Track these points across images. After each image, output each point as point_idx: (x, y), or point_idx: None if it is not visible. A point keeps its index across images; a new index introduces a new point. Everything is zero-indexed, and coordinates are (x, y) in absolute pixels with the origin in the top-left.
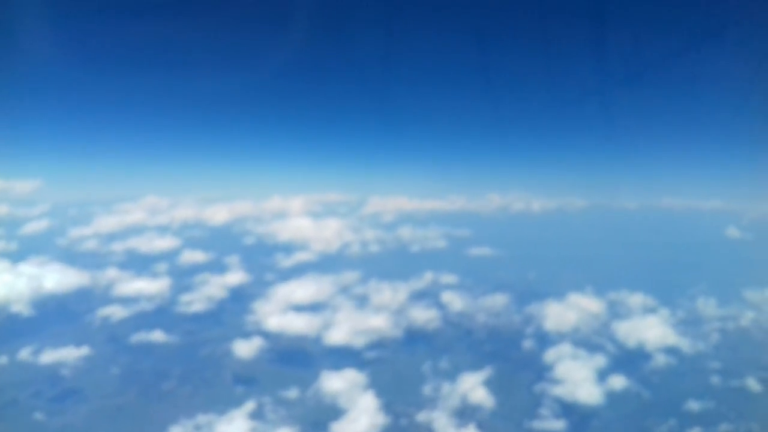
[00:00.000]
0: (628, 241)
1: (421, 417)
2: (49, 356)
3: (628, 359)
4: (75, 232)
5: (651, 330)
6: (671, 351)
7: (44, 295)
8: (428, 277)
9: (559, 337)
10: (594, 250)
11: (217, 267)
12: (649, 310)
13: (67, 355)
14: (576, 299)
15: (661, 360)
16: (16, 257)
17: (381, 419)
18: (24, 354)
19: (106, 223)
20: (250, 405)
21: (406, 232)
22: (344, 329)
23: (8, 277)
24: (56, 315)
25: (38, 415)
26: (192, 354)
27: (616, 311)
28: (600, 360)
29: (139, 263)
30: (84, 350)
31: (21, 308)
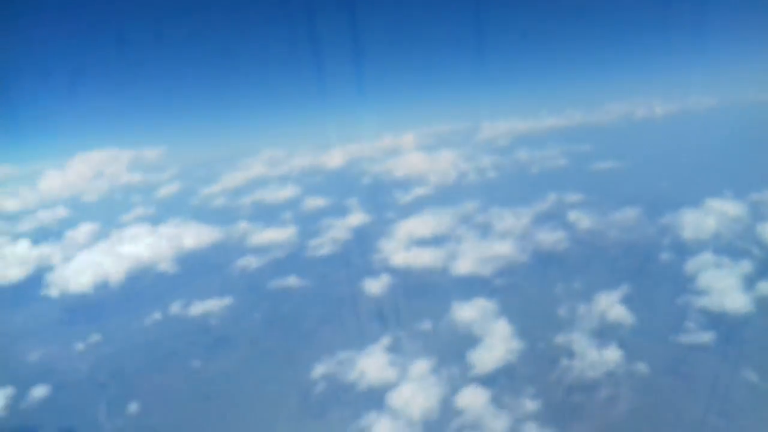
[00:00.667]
0: (764, 136)
1: (559, 339)
2: (197, 308)
3: None
4: (205, 191)
5: None
6: None
7: (185, 253)
8: (551, 197)
9: (699, 246)
10: (728, 151)
11: (339, 210)
12: None
13: (213, 305)
14: (714, 204)
15: None
16: (155, 220)
17: (517, 344)
18: (175, 308)
19: (232, 179)
20: (386, 339)
21: (523, 155)
22: (470, 259)
23: (152, 239)
24: (198, 269)
25: (196, 363)
26: (326, 295)
27: (761, 212)
28: (746, 266)
29: (267, 214)
30: (227, 300)
31: (166, 267)
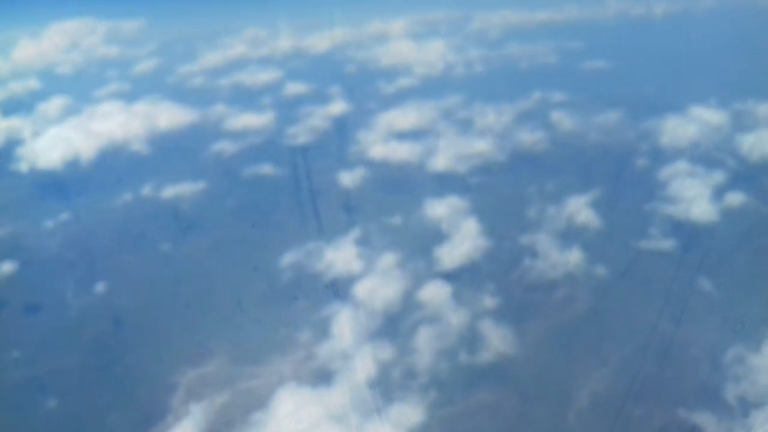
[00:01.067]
0: (764, 42)
1: (525, 240)
2: (169, 191)
3: (750, 175)
4: (183, 69)
5: None
6: None
7: (159, 133)
8: (536, 96)
9: (675, 154)
10: (723, 56)
11: (320, 98)
12: None
13: (186, 189)
14: (697, 112)
15: None
16: (130, 97)
17: (483, 243)
18: (146, 190)
19: (211, 58)
20: (355, 232)
21: (513, 49)
22: (447, 155)
23: (125, 117)
24: (172, 152)
25: (165, 246)
26: (300, 185)
27: (742, 123)
28: (719, 176)
29: (245, 97)
30: (200, 185)
31: (139, 147)
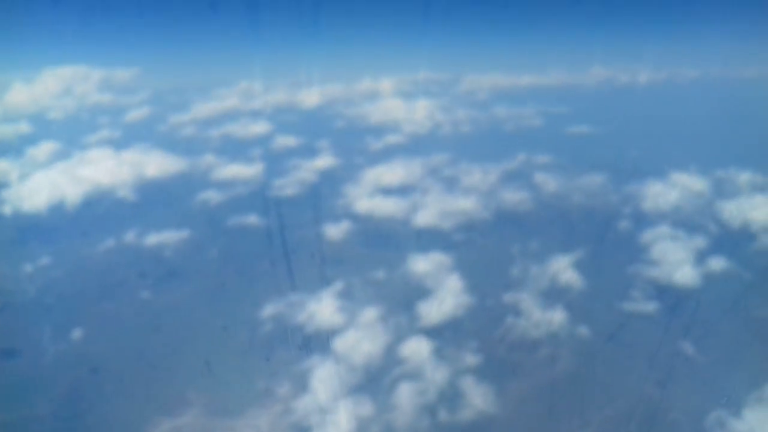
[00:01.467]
0: (743, 113)
1: (508, 298)
2: (152, 239)
3: (731, 240)
4: (174, 119)
5: (758, 209)
6: None
7: (146, 181)
8: (521, 157)
9: (657, 218)
10: (703, 125)
11: (308, 151)
12: (758, 189)
13: (169, 237)
14: (678, 178)
15: (766, 240)
16: (120, 144)
17: (466, 300)
18: (130, 237)
19: (203, 109)
20: (338, 285)
21: (500, 111)
22: (432, 212)
23: (113, 164)
24: (158, 199)
25: (145, 294)
26: (285, 236)
27: (722, 190)
28: (700, 241)
29: (235, 148)
30: (184, 233)
31: (125, 194)
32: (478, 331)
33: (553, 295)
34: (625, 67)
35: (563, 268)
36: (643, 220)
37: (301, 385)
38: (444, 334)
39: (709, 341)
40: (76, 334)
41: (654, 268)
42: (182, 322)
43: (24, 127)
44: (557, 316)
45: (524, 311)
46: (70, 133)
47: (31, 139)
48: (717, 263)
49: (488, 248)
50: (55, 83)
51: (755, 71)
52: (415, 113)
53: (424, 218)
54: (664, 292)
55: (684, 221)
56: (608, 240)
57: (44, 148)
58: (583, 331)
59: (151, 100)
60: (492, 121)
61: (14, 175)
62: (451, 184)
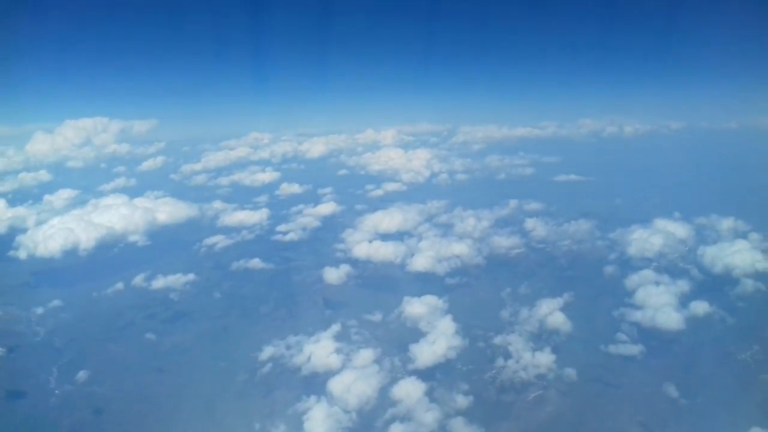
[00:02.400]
0: (724, 163)
1: (498, 340)
2: (160, 282)
3: (714, 285)
4: (186, 168)
5: (739, 255)
6: (760, 276)
7: (158, 227)
8: (513, 204)
9: (642, 263)
10: (686, 175)
11: (312, 198)
12: (740, 235)
13: (176, 281)
14: (663, 224)
15: (748, 286)
16: (134, 192)
17: (458, 342)
18: (138, 280)
19: (214, 158)
20: (336, 327)
21: (494, 161)
22: (427, 256)
23: (126, 210)
24: (167, 244)
25: (150, 336)
26: (287, 280)
27: (705, 236)
28: (683, 286)
29: (242, 196)
30: (190, 276)
31: (137, 238)
32: (469, 373)
33: (542, 337)
34: (612, 119)
35: (552, 311)
36: (628, 264)
37: (297, 426)
38: (436, 376)
39: (693, 384)
40: (82, 375)
41: (639, 312)
42: (185, 364)
43: (44, 175)
44: (545, 359)
45: (514, 353)
46: (88, 181)
47: (49, 187)
48: (700, 307)
49: (480, 291)
50: (76, 133)
51: (735, 124)
52: (414, 162)
53: (420, 262)
54: (648, 335)
55: (668, 266)
56: (595, 284)
57: (61, 195)
58: (571, 373)
59: (166, 150)
60: (486, 170)
61: (31, 221)
62: (446, 230)
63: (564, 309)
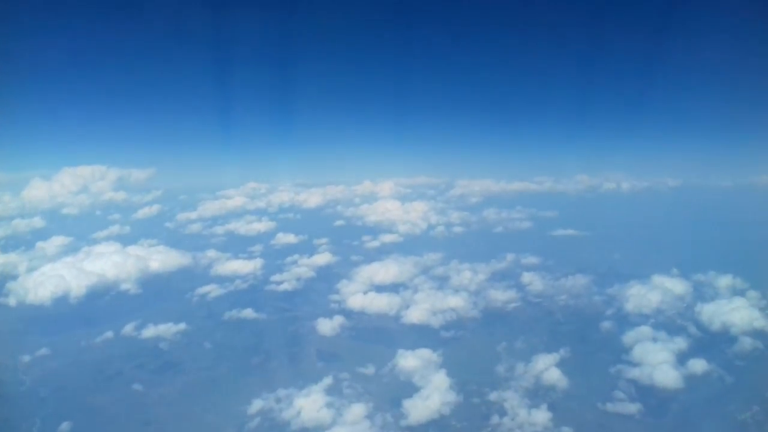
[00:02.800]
0: (721, 220)
1: (493, 396)
2: (150, 331)
3: (712, 343)
4: (182, 216)
5: (738, 312)
6: (759, 334)
7: (150, 275)
8: (510, 258)
9: (640, 319)
10: (683, 231)
11: (307, 248)
12: (738, 292)
13: (166, 330)
14: (660, 280)
15: (746, 344)
16: (128, 240)
17: (453, 397)
18: (128, 329)
19: (210, 207)
20: (327, 380)
21: (491, 214)
22: (423, 309)
23: (119, 258)
24: (159, 293)
25: (138, 387)
26: (279, 331)
27: (702, 293)
28: (681, 343)
29: (237, 245)
30: (182, 326)
31: (128, 287)
32: (463, 430)
33: (538, 394)
34: (609, 175)
35: (548, 367)
36: (625, 321)
37: None
38: None
39: None
40: (65, 427)
41: (636, 369)
42: (173, 416)
43: (38, 222)
44: (542, 416)
45: (509, 410)
46: (82, 228)
47: (43, 234)
48: (698, 365)
49: (475, 346)
50: (73, 181)
51: (732, 181)
52: (411, 214)
53: (415, 315)
54: (646, 393)
55: (665, 323)
56: (592, 340)
57: (54, 242)
58: (566, 431)
59: (162, 199)
60: (483, 223)
61: (23, 267)
62: (441, 282)
63: (560, 365)
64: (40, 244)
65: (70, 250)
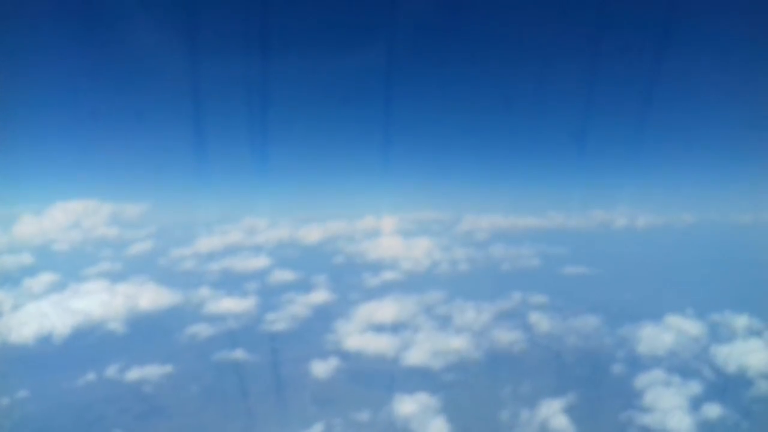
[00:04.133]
0: (739, 257)
1: None
2: (134, 373)
3: (727, 386)
4: (176, 253)
5: (754, 354)
6: None
7: (138, 314)
8: (517, 297)
9: (652, 362)
10: (700, 269)
11: (305, 286)
12: (755, 333)
13: (152, 372)
14: (674, 321)
15: (763, 387)
16: (118, 277)
17: None
18: (111, 371)
19: (206, 243)
20: (319, 427)
21: (498, 251)
22: (423, 350)
23: (106, 296)
24: (147, 333)
25: None
26: (271, 373)
27: (718, 334)
28: (695, 387)
29: (232, 282)
30: (168, 368)
31: (116, 326)
32: None
33: None
34: (623, 210)
35: (554, 413)
36: (637, 363)
37: None
38: None
39: None
40: None
41: (647, 415)
42: None
43: (26, 258)
44: None
45: None
46: (71, 265)
47: (31, 270)
48: (713, 410)
49: (477, 390)
50: (65, 216)
51: (751, 217)
52: (414, 251)
53: (414, 357)
54: None
55: (679, 366)
56: (601, 384)
57: (42, 280)
58: None
59: (157, 235)
60: (489, 260)
61: (8, 305)
62: (444, 322)
63: (568, 411)
64: (27, 281)
65: (58, 287)
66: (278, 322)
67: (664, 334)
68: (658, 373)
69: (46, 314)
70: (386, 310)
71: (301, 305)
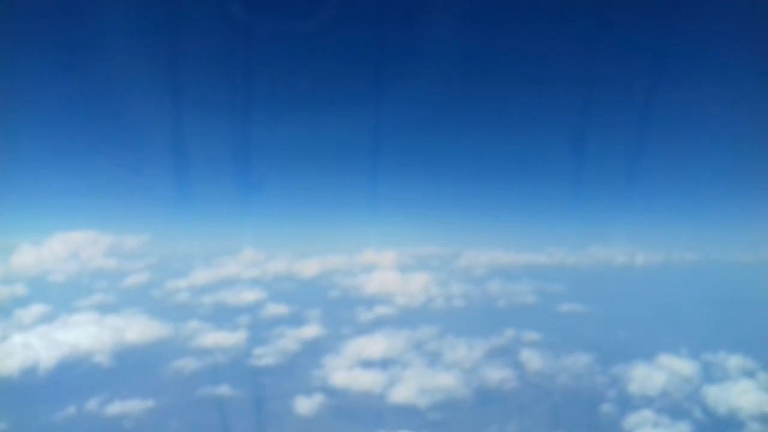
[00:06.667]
0: (738, 297)
1: None
2: (116, 408)
3: (717, 428)
4: (171, 285)
5: (746, 395)
6: (767, 420)
7: (126, 346)
8: (510, 333)
9: (643, 402)
10: (696, 308)
11: (297, 320)
12: (747, 374)
13: (133, 406)
14: (667, 360)
15: (754, 429)
16: (110, 309)
17: None
18: (92, 404)
19: (202, 275)
20: None
21: (495, 287)
22: (410, 387)
23: (94, 329)
24: (133, 366)
25: None
26: (255, 409)
27: (711, 374)
28: (684, 428)
29: (223, 315)
30: (150, 402)
31: (102, 359)
32: None
33: None
34: (623, 248)
35: None
36: (627, 403)
37: None
38: None
39: None
40: None
41: None
42: None
43: (20, 289)
44: None
45: None
46: (65, 296)
47: (23, 301)
48: None
49: (464, 429)
50: (63, 247)
51: (751, 256)
52: (410, 286)
53: (401, 393)
54: None
55: (670, 406)
56: (590, 424)
57: (33, 311)
58: None
59: (154, 266)
60: (485, 296)
61: None
62: (433, 359)
63: None
64: (18, 312)
65: (48, 318)
66: (266, 356)
67: (656, 373)
68: (647, 414)
69: (32, 346)
70: (376, 345)
71: (291, 339)
